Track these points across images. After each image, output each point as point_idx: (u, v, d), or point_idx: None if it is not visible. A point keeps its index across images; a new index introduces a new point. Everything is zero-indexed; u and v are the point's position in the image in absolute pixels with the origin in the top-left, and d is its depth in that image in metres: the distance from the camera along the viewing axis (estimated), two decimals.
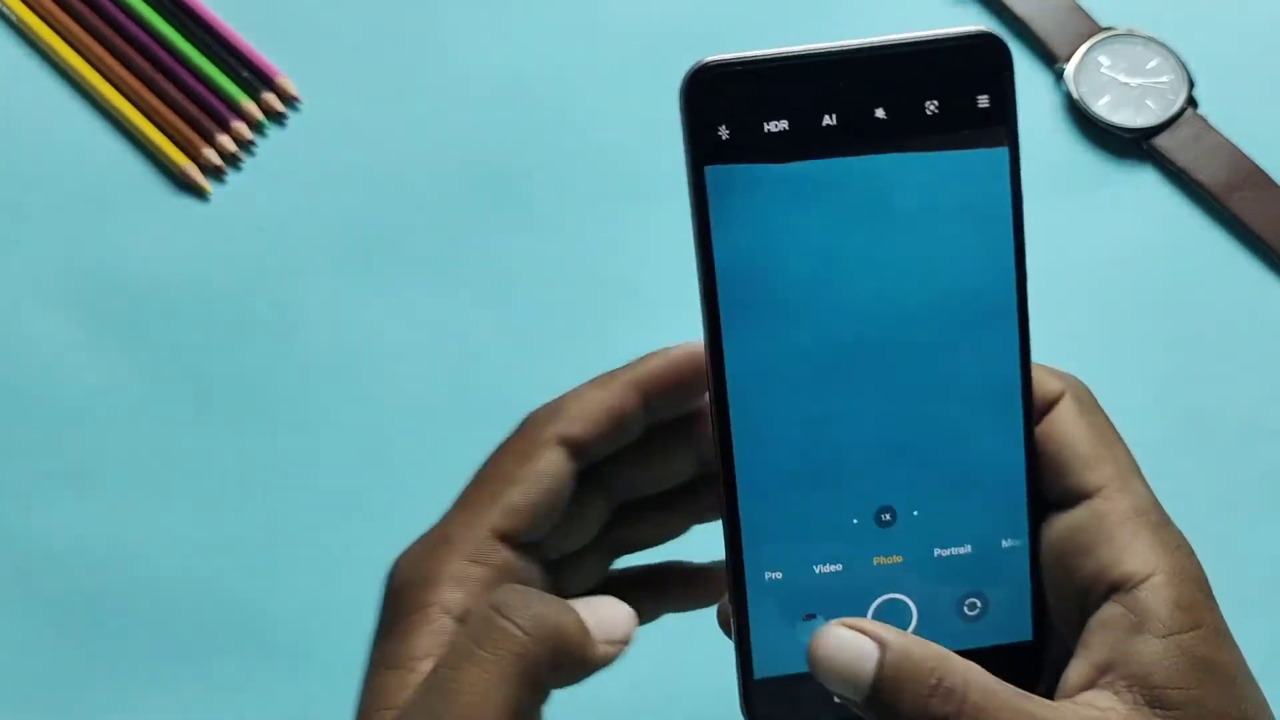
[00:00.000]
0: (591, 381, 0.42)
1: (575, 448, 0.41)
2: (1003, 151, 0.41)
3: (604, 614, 0.39)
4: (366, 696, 0.39)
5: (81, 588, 0.62)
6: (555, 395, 0.65)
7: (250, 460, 0.64)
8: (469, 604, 0.39)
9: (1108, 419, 0.42)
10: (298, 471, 0.64)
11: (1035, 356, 0.66)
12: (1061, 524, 0.40)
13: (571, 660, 0.38)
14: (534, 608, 0.37)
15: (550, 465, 0.41)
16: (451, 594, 0.39)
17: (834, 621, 0.38)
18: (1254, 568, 0.62)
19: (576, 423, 0.41)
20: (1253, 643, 0.62)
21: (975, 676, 0.37)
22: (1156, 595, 0.38)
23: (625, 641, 0.39)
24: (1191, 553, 0.40)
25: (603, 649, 0.39)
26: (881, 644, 0.37)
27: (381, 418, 0.65)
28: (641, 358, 0.43)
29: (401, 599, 0.39)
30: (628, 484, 0.44)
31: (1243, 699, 0.38)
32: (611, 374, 0.42)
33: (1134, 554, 0.39)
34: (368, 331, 0.66)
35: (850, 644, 0.38)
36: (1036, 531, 0.41)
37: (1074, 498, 0.40)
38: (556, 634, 0.37)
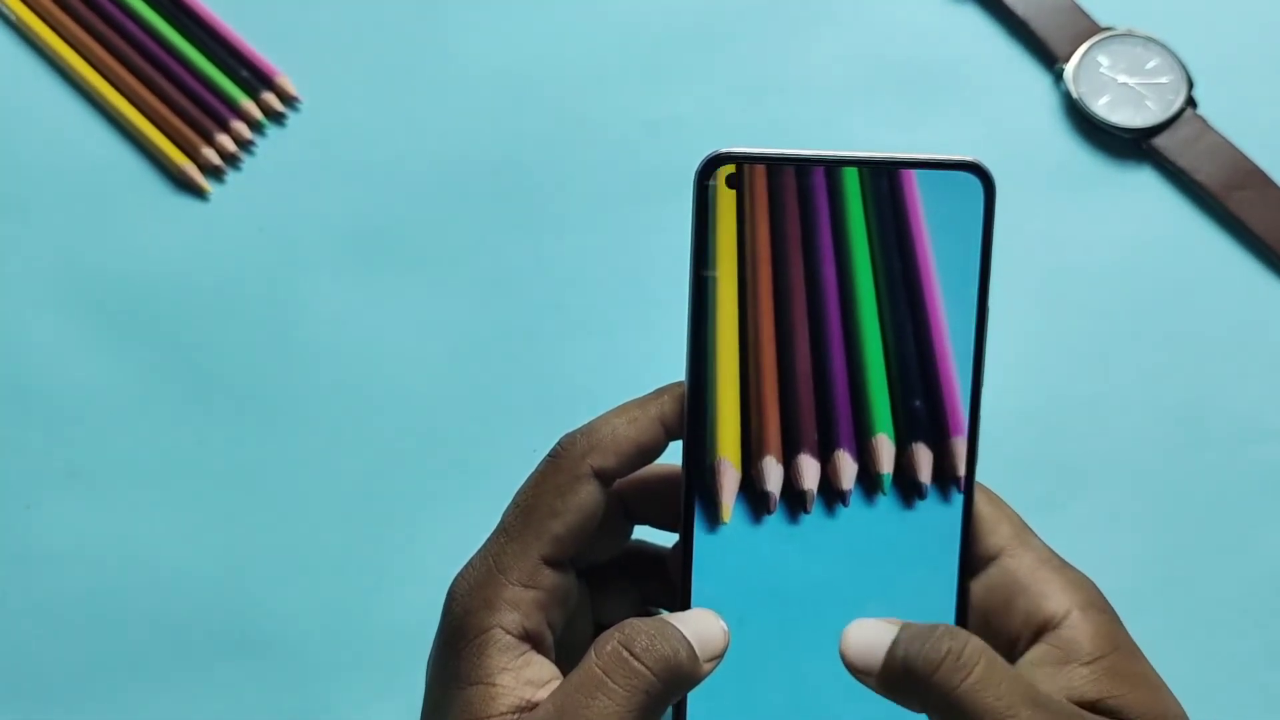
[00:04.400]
0: (622, 412, 0.47)
1: (608, 479, 0.46)
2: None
3: (704, 632, 0.44)
4: (454, 709, 0.44)
5: (81, 588, 0.62)
6: (555, 395, 0.65)
7: (250, 460, 0.64)
8: (525, 624, 0.45)
9: (985, 487, 0.48)
10: (298, 471, 0.64)
11: (1032, 356, 0.66)
12: (980, 585, 0.46)
13: (684, 686, 0.43)
14: (658, 647, 0.42)
15: (589, 498, 0.46)
16: (510, 615, 0.45)
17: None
18: (1253, 568, 0.62)
19: (611, 457, 0.46)
20: (1251, 642, 0.62)
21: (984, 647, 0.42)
22: (1075, 630, 0.45)
23: (720, 657, 0.45)
24: (1093, 586, 0.46)
25: (705, 668, 0.44)
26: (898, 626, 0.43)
27: (382, 417, 0.65)
28: (667, 388, 0.47)
29: (466, 622, 0.45)
30: (647, 510, 0.49)
31: (1164, 697, 0.45)
32: (642, 406, 0.47)
33: (1048, 599, 0.45)
34: (368, 331, 0.66)
35: (870, 627, 0.44)
36: None
37: (984, 559, 0.46)
38: (676, 669, 0.43)
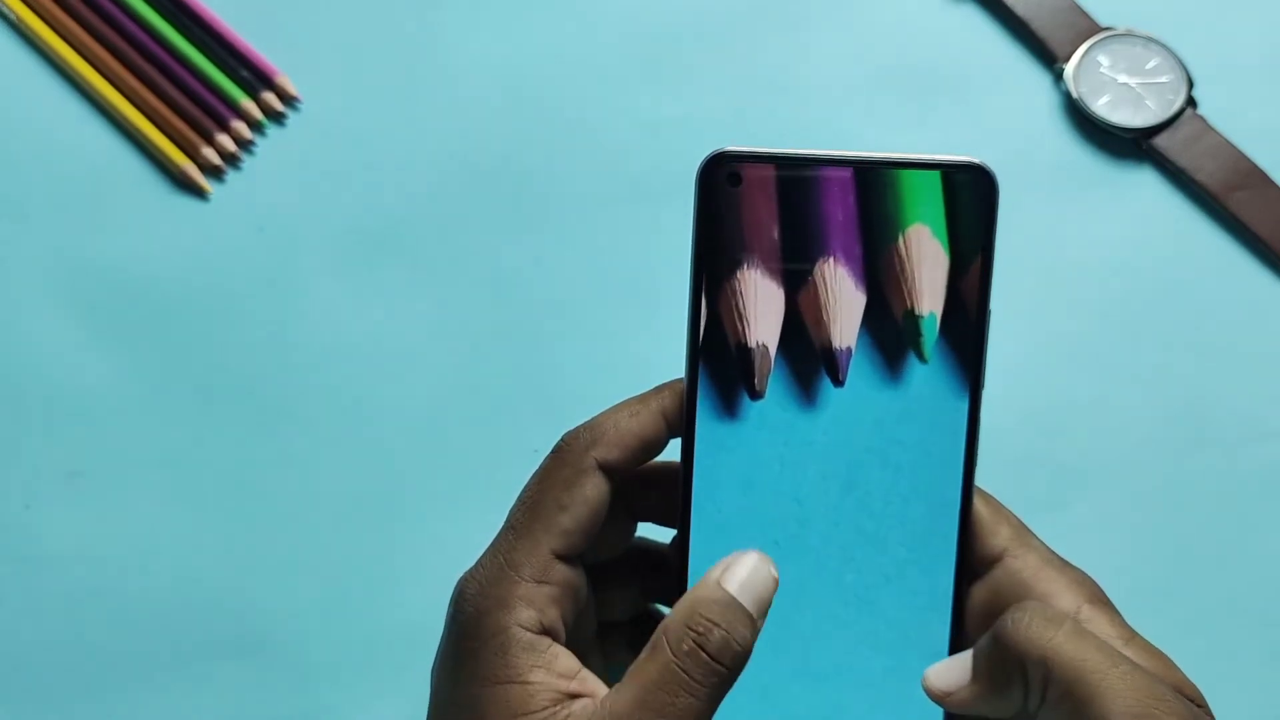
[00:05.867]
0: (625, 407, 0.47)
1: (612, 473, 0.46)
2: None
3: (758, 587, 0.44)
4: (486, 709, 0.44)
5: (81, 588, 0.62)
6: (556, 396, 0.65)
7: (250, 460, 0.64)
8: (541, 619, 0.44)
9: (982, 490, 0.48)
10: (298, 471, 0.64)
11: (1031, 356, 0.66)
12: (983, 588, 0.46)
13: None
14: (733, 645, 0.42)
15: (595, 491, 0.46)
16: (526, 612, 0.44)
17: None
18: (1253, 568, 0.62)
19: (615, 449, 0.46)
20: (1251, 642, 0.62)
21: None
22: (1093, 622, 0.45)
23: (769, 605, 0.44)
24: (1095, 583, 0.46)
25: (759, 626, 0.44)
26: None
27: (382, 418, 0.65)
28: (668, 384, 0.47)
29: (481, 622, 0.44)
30: (650, 506, 0.49)
31: (1186, 678, 0.45)
32: (643, 400, 0.47)
33: (1055, 596, 0.45)
34: (368, 331, 0.66)
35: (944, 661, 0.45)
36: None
37: (986, 562, 0.46)
38: (746, 658, 0.43)
